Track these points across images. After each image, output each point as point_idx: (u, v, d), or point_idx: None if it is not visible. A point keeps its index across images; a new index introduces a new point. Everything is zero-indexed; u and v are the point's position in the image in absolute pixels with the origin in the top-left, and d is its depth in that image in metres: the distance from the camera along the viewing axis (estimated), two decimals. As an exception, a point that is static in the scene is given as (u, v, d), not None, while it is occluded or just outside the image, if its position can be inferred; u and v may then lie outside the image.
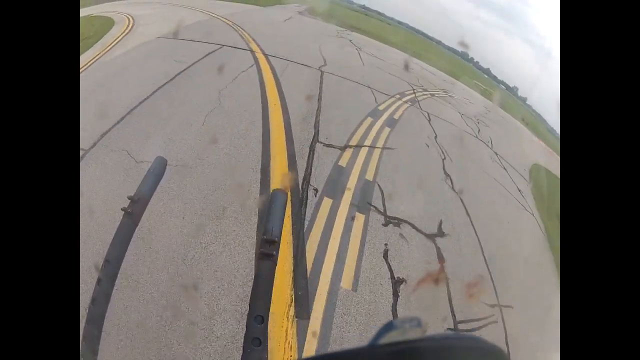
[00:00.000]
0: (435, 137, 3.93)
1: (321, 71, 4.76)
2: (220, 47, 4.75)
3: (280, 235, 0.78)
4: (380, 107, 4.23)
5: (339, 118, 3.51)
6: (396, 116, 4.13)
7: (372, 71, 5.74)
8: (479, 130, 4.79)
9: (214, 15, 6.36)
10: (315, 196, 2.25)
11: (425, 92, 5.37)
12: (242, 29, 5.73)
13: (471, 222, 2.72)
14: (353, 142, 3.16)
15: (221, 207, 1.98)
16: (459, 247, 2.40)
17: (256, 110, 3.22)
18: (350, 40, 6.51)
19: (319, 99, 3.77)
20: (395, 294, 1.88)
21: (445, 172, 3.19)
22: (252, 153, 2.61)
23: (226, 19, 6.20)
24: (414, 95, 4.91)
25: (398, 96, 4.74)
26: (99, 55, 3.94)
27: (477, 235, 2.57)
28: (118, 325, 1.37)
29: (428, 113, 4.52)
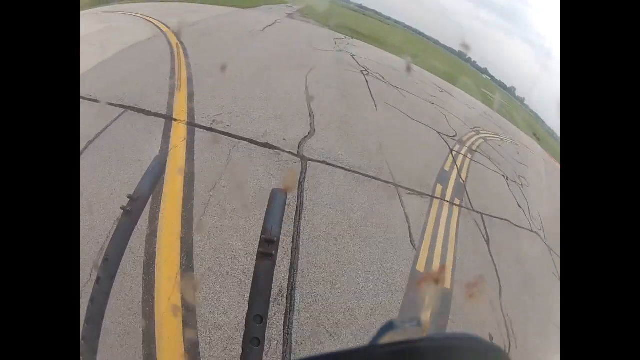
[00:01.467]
0: (500, 294, 2.18)
1: (302, 159, 2.19)
2: (122, 113, 2.35)
3: (280, 235, 0.78)
4: (420, 266, 1.96)
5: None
6: (448, 284, 2.00)
7: (391, 123, 3.36)
8: (527, 204, 3.25)
9: (167, 29, 4.15)
10: None
11: (463, 148, 3.52)
12: (187, 54, 3.37)
13: None
14: None
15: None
16: None
17: None
18: (353, 56, 4.13)
19: (289, 305, 1.51)
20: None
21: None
22: None
23: (178, 35, 3.86)
24: (455, 167, 2.91)
25: (440, 187, 2.61)
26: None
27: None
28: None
29: (481, 216, 2.53)
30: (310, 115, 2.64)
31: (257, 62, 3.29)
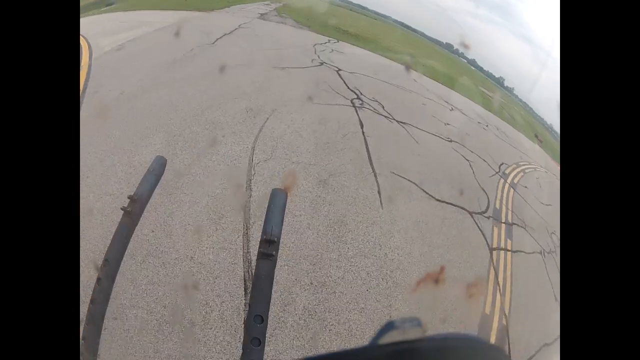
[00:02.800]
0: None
1: None
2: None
3: (280, 235, 0.78)
4: None
5: None
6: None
7: (409, 243, 1.23)
8: (560, 288, 2.33)
9: (86, 61, 1.36)
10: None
11: (500, 231, 1.51)
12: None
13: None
14: None
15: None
16: None
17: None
18: (339, 72, 1.76)
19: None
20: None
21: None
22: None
23: (89, 72, 1.63)
24: (497, 295, 1.32)
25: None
26: None
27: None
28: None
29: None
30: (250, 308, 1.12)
31: (172, 126, 1.47)
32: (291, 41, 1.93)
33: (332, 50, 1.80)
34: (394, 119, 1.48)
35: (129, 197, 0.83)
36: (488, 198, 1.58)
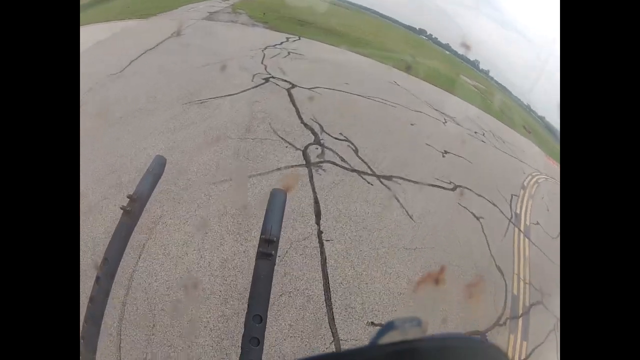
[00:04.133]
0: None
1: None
2: None
3: (279, 234, 0.78)
4: None
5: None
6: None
7: None
8: None
9: None
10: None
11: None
12: None
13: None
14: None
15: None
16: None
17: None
18: (290, 90, 1.08)
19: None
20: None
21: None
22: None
23: None
24: None
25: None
26: None
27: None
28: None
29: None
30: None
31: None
32: (235, 47, 1.45)
33: (289, 52, 1.31)
34: (375, 174, 0.94)
35: (128, 197, 0.83)
36: (505, 281, 1.17)
